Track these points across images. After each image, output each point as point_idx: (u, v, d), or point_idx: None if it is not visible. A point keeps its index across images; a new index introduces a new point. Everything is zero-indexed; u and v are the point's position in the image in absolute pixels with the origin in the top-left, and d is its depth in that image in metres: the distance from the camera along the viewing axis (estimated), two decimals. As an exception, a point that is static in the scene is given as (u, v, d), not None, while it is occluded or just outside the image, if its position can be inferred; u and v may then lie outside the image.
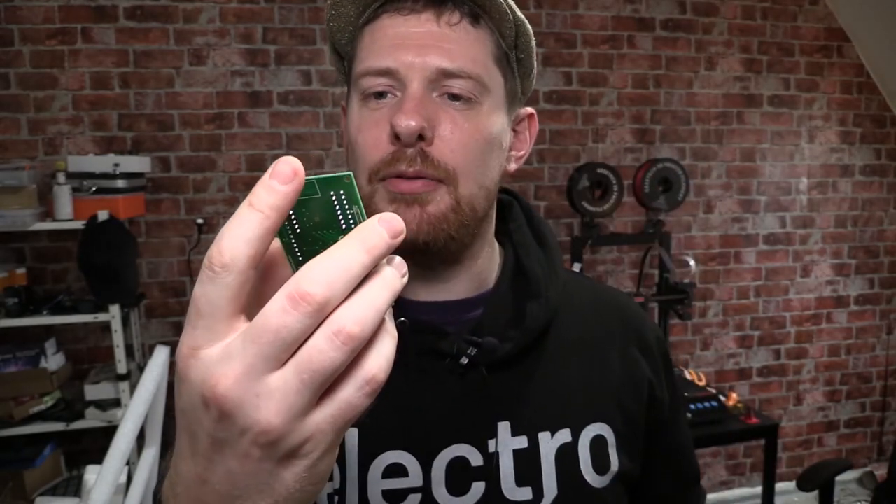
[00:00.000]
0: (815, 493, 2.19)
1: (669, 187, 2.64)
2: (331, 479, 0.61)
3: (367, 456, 0.62)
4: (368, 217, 0.31)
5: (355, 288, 0.30)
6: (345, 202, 0.31)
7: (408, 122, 0.56)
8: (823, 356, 3.43)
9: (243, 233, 0.28)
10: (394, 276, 0.31)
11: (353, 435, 0.62)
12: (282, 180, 0.28)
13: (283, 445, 0.29)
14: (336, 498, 0.62)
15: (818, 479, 2.18)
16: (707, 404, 2.28)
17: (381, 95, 0.60)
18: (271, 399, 0.28)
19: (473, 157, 0.61)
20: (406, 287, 0.63)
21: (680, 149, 3.13)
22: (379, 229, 0.30)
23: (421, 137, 0.58)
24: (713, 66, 3.13)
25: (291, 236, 0.32)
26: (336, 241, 0.30)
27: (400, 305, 0.65)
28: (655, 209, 2.65)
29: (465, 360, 0.63)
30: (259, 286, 0.32)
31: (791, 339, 3.37)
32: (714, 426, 2.26)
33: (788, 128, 3.25)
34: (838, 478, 2.23)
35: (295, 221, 0.32)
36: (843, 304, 3.43)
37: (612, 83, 3.03)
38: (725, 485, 3.34)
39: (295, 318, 0.28)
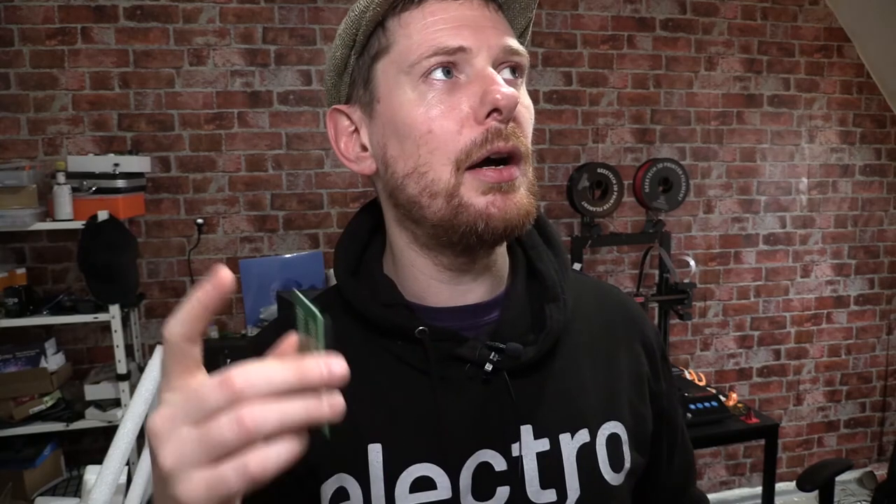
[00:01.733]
0: (815, 493, 2.19)
1: (669, 187, 2.64)
2: (347, 498, 0.61)
3: (392, 471, 0.61)
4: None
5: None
6: (314, 332, 0.38)
7: (508, 92, 0.56)
8: (823, 356, 3.43)
9: (180, 316, 0.36)
10: (317, 407, 0.35)
11: (376, 451, 0.61)
12: (212, 286, 0.36)
13: (172, 484, 0.35)
14: None
15: (818, 479, 2.18)
16: (707, 404, 2.28)
17: (447, 73, 0.58)
18: (174, 444, 0.35)
19: (530, 133, 0.62)
20: (429, 292, 0.65)
21: (680, 149, 3.13)
22: (321, 367, 0.35)
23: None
24: (713, 66, 3.13)
25: (302, 338, 0.39)
26: (314, 351, 0.38)
27: (416, 313, 0.64)
28: (655, 209, 2.65)
29: (488, 367, 0.62)
30: None
31: (791, 339, 3.38)
32: (714, 426, 2.26)
33: (788, 128, 3.25)
34: (838, 478, 2.23)
35: (301, 331, 0.39)
36: (843, 304, 3.43)
37: (612, 83, 3.03)
38: (725, 485, 3.34)
39: (215, 396, 0.34)
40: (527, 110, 0.61)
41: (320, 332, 0.38)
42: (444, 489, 0.60)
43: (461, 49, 0.57)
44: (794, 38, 3.21)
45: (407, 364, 0.63)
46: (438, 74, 0.58)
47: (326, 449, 0.60)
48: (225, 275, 0.36)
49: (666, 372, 0.77)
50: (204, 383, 0.35)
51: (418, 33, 0.58)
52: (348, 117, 0.65)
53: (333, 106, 0.67)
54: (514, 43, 0.60)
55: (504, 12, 0.63)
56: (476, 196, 0.58)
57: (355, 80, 0.64)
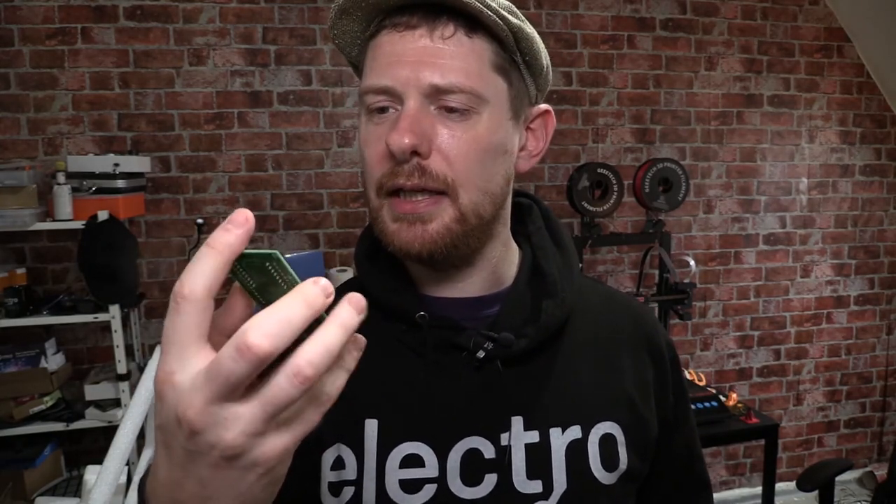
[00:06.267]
0: (815, 493, 2.19)
1: (669, 187, 2.64)
2: (343, 466, 0.64)
3: (385, 446, 0.64)
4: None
5: (313, 329, 0.34)
6: (279, 271, 0.36)
7: (400, 141, 0.58)
8: (823, 356, 3.43)
9: (200, 268, 0.33)
10: (349, 313, 0.35)
11: (372, 426, 0.65)
12: (235, 225, 0.34)
13: (247, 458, 0.35)
14: (353, 488, 0.64)
15: (818, 479, 2.18)
16: (707, 404, 2.28)
17: (383, 111, 0.62)
18: (238, 422, 0.33)
19: (473, 166, 0.62)
20: (424, 284, 0.68)
21: (680, 149, 3.13)
22: (316, 287, 0.34)
23: (416, 153, 0.60)
24: (713, 66, 3.13)
25: (253, 286, 0.37)
26: (280, 296, 0.34)
27: (421, 300, 0.68)
28: (655, 209, 2.65)
29: (481, 354, 0.65)
30: (222, 320, 0.37)
31: (791, 339, 3.38)
32: (714, 426, 2.26)
33: (788, 128, 3.25)
34: (838, 478, 2.23)
35: (249, 278, 0.36)
36: (843, 304, 3.43)
37: (612, 83, 3.03)
38: (725, 485, 3.34)
39: (241, 366, 0.32)
40: (462, 143, 0.61)
41: (285, 265, 0.35)
42: (431, 468, 0.64)
43: (386, 89, 0.61)
44: (794, 38, 3.21)
45: (407, 347, 0.67)
46: (373, 109, 0.63)
47: (329, 420, 0.64)
48: (247, 214, 0.34)
49: (676, 383, 0.77)
50: (220, 359, 0.32)
51: (367, 66, 0.64)
52: None
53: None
54: (446, 80, 0.59)
55: (476, 32, 0.61)
56: (389, 221, 0.63)
57: None
